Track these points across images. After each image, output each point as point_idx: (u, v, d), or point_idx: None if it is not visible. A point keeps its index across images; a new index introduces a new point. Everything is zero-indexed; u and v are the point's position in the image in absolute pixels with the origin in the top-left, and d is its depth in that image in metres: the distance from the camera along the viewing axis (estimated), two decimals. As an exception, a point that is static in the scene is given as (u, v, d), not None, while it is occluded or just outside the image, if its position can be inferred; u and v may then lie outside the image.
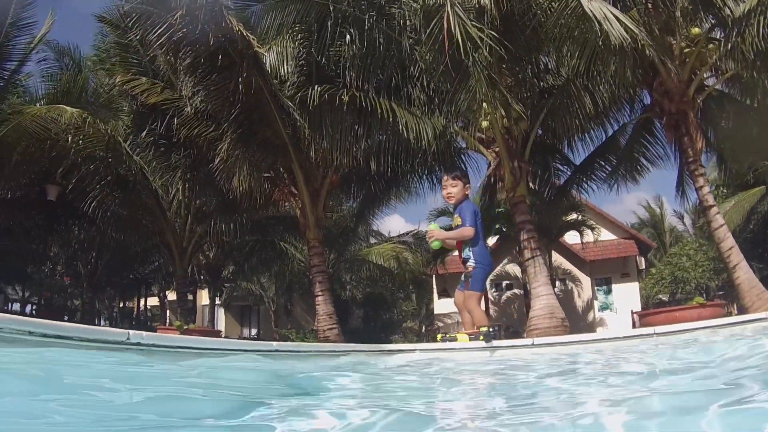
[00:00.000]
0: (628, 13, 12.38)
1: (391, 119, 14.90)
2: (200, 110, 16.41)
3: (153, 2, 13.83)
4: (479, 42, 12.16)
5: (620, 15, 11.63)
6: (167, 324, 31.96)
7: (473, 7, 13.00)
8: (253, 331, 48.29)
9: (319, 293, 17.10)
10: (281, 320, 42.67)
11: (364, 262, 33.05)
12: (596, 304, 36.92)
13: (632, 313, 32.74)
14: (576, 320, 30.65)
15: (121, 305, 50.42)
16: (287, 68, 16.09)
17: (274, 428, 2.36)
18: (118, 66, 19.85)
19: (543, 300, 14.97)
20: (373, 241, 37.90)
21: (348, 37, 15.74)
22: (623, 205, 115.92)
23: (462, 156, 19.38)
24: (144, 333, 3.88)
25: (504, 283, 38.60)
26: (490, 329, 7.11)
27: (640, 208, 55.82)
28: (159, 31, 13.73)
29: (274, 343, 5.75)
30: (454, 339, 7.45)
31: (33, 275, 32.94)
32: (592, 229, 31.35)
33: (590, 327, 34.17)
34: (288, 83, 16.18)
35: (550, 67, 16.71)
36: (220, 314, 45.77)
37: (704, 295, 35.23)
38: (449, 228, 7.87)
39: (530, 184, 17.02)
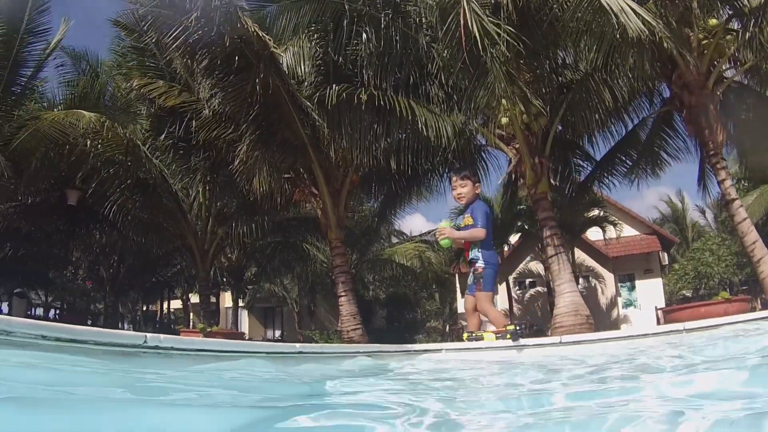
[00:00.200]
0: (645, 5, 12.22)
1: (410, 117, 14.80)
2: (218, 112, 16.37)
3: (167, 5, 13.79)
4: (496, 37, 12.06)
5: (637, 7, 11.48)
6: (191, 326, 32.07)
7: (489, 3, 12.94)
8: (277, 333, 48.37)
9: (342, 294, 17.04)
10: (305, 321, 42.72)
11: (386, 262, 33.04)
12: (620, 300, 36.69)
13: (656, 309, 32.51)
14: (600, 317, 30.43)
15: (145, 308, 50.69)
16: (304, 68, 16.03)
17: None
18: (135, 70, 19.87)
19: (567, 297, 14.85)
20: (395, 240, 37.90)
21: (364, 35, 15.68)
22: (644, 201, 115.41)
23: (482, 153, 19.29)
24: (162, 336, 3.80)
25: (527, 281, 38.48)
26: (517, 327, 7.02)
27: (661, 203, 55.59)
28: (174, 33, 13.69)
29: (297, 345, 5.68)
30: (481, 338, 7.35)
31: (55, 280, 33.11)
32: (615, 225, 31.14)
33: (614, 324, 33.97)
34: (305, 83, 16.13)
35: (567, 61, 16.54)
36: (244, 316, 45.93)
37: (728, 290, 34.95)
38: (457, 227, 7.76)
39: (551, 180, 16.87)
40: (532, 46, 13.85)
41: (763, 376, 3.25)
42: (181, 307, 48.45)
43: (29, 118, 17.72)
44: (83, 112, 17.15)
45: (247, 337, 34.62)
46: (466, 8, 11.93)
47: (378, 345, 7.51)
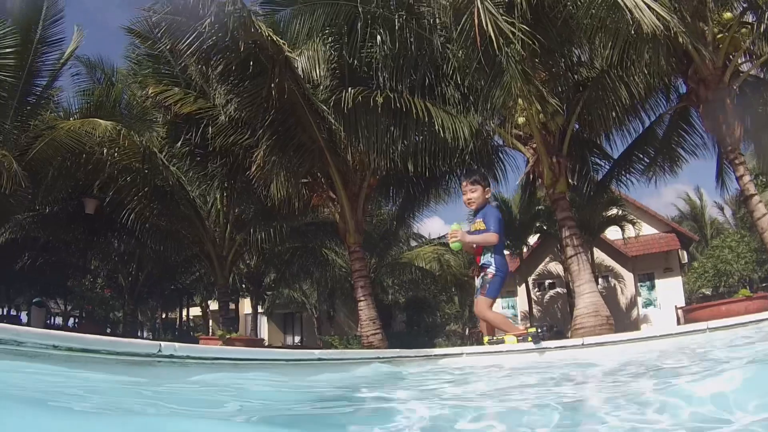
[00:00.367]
0: (659, 0, 12.14)
1: (426, 119, 14.77)
2: (234, 118, 16.34)
3: (181, 11, 13.77)
4: (511, 36, 12.02)
5: (651, 2, 11.39)
6: (210, 333, 32.11)
7: (503, 1, 12.90)
8: (296, 339, 48.40)
9: (362, 298, 16.98)
10: (324, 327, 42.75)
11: (405, 266, 32.98)
12: (640, 300, 36.54)
13: (676, 308, 32.35)
14: (620, 318, 30.30)
15: (164, 316, 50.81)
16: (319, 72, 15.96)
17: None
18: (150, 77, 19.87)
19: (587, 298, 14.76)
20: (414, 243, 37.85)
21: (378, 38, 15.67)
22: (661, 199, 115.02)
23: (499, 154, 19.26)
24: (177, 344, 3.73)
25: (546, 282, 38.39)
26: (538, 330, 6.94)
27: (678, 201, 55.30)
28: (188, 40, 13.70)
29: (316, 352, 5.61)
30: (502, 341, 7.26)
31: (74, 289, 33.23)
32: (633, 223, 31.03)
33: (634, 324, 33.83)
34: (321, 87, 16.07)
35: (583, 59, 16.43)
36: (263, 322, 45.99)
37: (747, 287, 34.67)
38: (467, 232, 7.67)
39: (569, 179, 16.78)
40: (547, 45, 13.83)
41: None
42: (200, 314, 48.55)
43: (45, 127, 17.76)
44: (99, 120, 17.18)
45: (266, 344, 34.65)
46: (480, 7, 11.91)
47: (397, 351, 7.41)
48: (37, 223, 23.75)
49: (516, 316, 38.04)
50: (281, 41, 13.84)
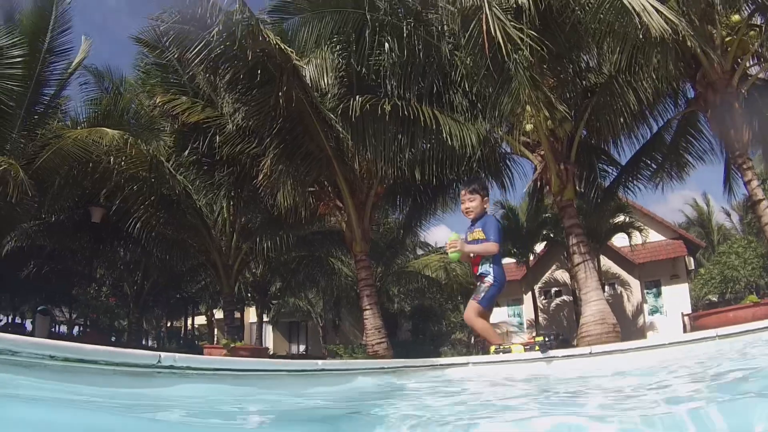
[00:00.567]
0: (667, 4, 12.11)
1: (434, 127, 14.76)
2: (242, 127, 16.35)
3: (189, 21, 13.79)
4: (519, 42, 12.02)
5: (659, 6, 11.38)
6: (215, 342, 32.06)
7: (511, 7, 12.88)
8: (302, 348, 48.31)
9: (367, 307, 16.95)
10: (329, 336, 42.62)
11: (412, 274, 32.92)
12: (646, 308, 36.42)
13: (683, 315, 32.25)
14: (626, 325, 30.21)
15: (169, 325, 50.80)
16: (327, 80, 15.93)
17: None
18: (158, 86, 19.89)
19: (594, 306, 14.70)
20: (420, 252, 37.80)
21: (387, 45, 15.69)
22: (668, 205, 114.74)
23: (507, 161, 19.21)
24: (176, 355, 3.67)
25: (553, 290, 38.31)
26: (546, 339, 6.89)
27: (686, 207, 55.07)
28: (196, 49, 13.72)
29: (320, 362, 5.55)
30: (509, 351, 7.21)
31: (79, 297, 33.24)
32: (640, 230, 30.94)
33: (641, 332, 33.73)
34: (329, 95, 16.05)
35: (591, 64, 16.43)
36: (268, 331, 45.87)
37: (754, 293, 34.53)
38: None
39: (577, 187, 16.74)
40: (556, 50, 13.81)
41: None
42: (205, 323, 48.48)
43: (52, 136, 17.76)
44: (106, 129, 17.16)
45: (271, 352, 34.57)
46: (488, 14, 11.91)
47: (402, 360, 7.37)
48: (43, 231, 23.77)
49: (522, 324, 37.99)
50: (289, 49, 13.85)
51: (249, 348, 18.30)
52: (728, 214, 50.11)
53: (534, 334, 30.39)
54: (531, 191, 20.52)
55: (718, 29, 14.32)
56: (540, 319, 36.81)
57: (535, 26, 12.64)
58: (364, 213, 17.44)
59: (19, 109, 17.19)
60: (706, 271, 39.51)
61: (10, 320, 37.14)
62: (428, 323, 38.36)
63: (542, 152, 15.75)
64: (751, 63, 15.58)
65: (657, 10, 11.24)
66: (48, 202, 19.45)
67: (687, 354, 6.12)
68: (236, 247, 22.24)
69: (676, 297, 35.42)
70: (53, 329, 36.31)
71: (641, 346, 7.18)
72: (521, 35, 12.00)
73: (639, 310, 35.86)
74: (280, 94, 14.39)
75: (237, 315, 31.77)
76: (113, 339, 33.33)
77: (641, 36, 12.20)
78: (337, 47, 16.12)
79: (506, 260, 35.75)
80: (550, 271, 37.61)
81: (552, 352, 6.72)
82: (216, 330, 43.19)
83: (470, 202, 7.41)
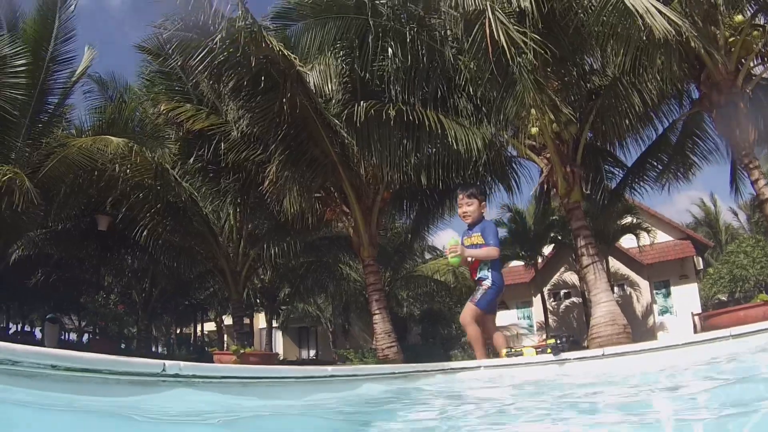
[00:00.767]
0: (670, 5, 12.06)
1: (439, 131, 14.73)
2: (247, 133, 16.36)
3: (192, 28, 13.78)
4: (523, 46, 11.99)
5: (662, 7, 11.34)
6: (225, 348, 32.06)
7: (514, 11, 12.85)
8: (312, 353, 48.34)
9: (377, 311, 16.92)
10: (339, 340, 42.63)
11: (420, 278, 32.91)
12: (655, 308, 36.30)
13: (693, 315, 32.13)
14: (636, 326, 30.09)
15: (178, 331, 50.82)
16: (331, 86, 15.92)
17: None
18: (162, 94, 19.91)
19: (604, 307, 14.64)
20: (428, 256, 37.80)
21: (390, 50, 15.66)
22: (675, 206, 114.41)
23: (513, 165, 19.14)
24: (182, 363, 3.62)
25: (562, 292, 38.23)
26: (558, 341, 6.84)
27: (693, 207, 54.92)
28: (200, 56, 13.69)
29: (329, 368, 5.49)
30: (521, 353, 7.17)
31: (87, 305, 33.27)
32: (648, 231, 30.87)
33: (650, 332, 33.62)
34: (333, 101, 16.05)
35: (595, 67, 16.40)
36: (278, 337, 45.91)
37: (764, 292, 34.34)
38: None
39: (583, 189, 16.68)
40: (559, 53, 13.77)
41: None
42: (215, 329, 48.52)
43: (57, 145, 17.76)
44: (111, 137, 17.19)
45: (281, 358, 34.57)
46: (491, 17, 11.88)
47: (413, 365, 7.32)
48: (50, 239, 23.82)
49: (532, 326, 37.92)
50: (292, 56, 13.82)
51: (258, 354, 18.30)
52: (735, 214, 49.96)
53: (544, 336, 30.34)
54: (538, 194, 20.42)
55: (722, 30, 14.25)
56: (550, 321, 36.73)
57: (539, 30, 12.60)
58: (371, 218, 17.40)
59: (24, 118, 17.22)
60: (715, 271, 39.29)
61: (19, 328, 37.22)
62: (438, 327, 38.24)
63: (548, 155, 15.70)
64: (755, 63, 15.54)
65: (660, 12, 11.20)
66: (54, 210, 19.48)
67: (702, 355, 6.05)
68: (244, 253, 22.23)
69: (686, 297, 35.27)
70: (62, 337, 36.36)
71: (654, 347, 7.12)
72: (524, 39, 11.98)
73: (649, 311, 35.75)
74: (284, 100, 14.40)
75: (246, 321, 31.74)
76: (122, 346, 33.35)
77: (645, 38, 12.17)
78: (341, 53, 16.14)
79: (514, 263, 35.75)
80: (558, 273, 37.55)
81: (564, 355, 6.68)
82: (226, 336, 43.28)
83: (468, 207, 7.38)
